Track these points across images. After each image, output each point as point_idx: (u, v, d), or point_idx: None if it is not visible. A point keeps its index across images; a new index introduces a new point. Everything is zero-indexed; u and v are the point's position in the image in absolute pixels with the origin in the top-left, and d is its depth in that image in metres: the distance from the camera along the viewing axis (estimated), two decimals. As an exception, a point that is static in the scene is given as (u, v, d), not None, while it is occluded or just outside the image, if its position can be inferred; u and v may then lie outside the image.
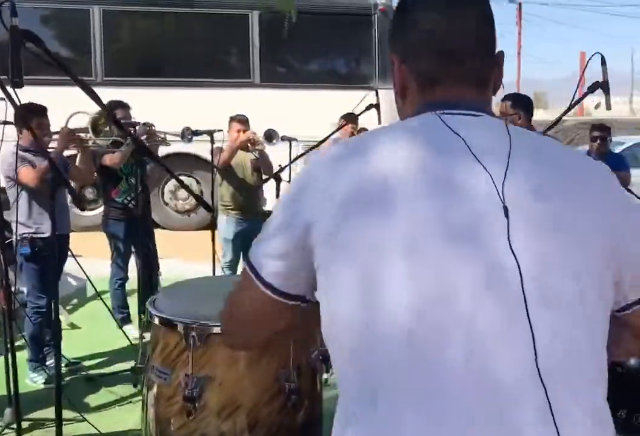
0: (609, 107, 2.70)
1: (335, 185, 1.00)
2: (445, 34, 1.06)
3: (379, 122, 3.99)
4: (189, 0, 9.33)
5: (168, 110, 7.61)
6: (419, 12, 1.10)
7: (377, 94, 3.68)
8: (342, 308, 0.98)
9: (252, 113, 5.58)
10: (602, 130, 5.85)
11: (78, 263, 3.54)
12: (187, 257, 7.13)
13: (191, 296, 2.31)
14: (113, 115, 2.09)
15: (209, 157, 9.15)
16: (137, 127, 4.34)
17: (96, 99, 2.04)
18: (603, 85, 2.61)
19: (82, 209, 4.75)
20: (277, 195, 4.00)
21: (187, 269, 6.73)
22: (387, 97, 9.56)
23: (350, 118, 5.78)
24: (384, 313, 0.93)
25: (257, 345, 1.33)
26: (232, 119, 5.46)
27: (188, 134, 4.62)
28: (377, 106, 3.76)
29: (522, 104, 4.07)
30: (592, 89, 2.64)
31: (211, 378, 1.99)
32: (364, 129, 5.46)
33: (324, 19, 9.42)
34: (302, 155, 3.97)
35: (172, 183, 9.62)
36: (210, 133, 4.73)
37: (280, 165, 4.15)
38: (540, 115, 26.95)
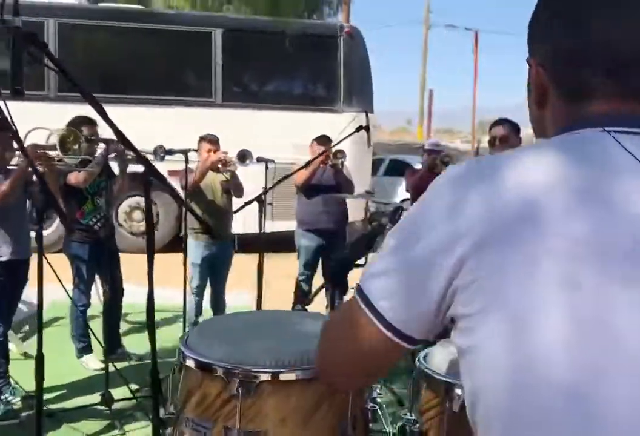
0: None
1: (463, 213, 0.85)
2: (610, 36, 0.90)
3: (369, 144, 3.86)
4: (151, 16, 9.11)
5: (125, 127, 7.30)
6: (576, 10, 0.93)
7: (367, 116, 3.55)
8: (488, 352, 0.85)
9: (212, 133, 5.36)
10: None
11: (64, 287, 3.30)
12: (144, 281, 6.82)
13: (231, 335, 2.06)
14: (123, 136, 1.87)
15: (166, 177, 9.02)
16: (110, 145, 4.09)
17: (105, 117, 1.83)
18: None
19: (72, 234, 4.44)
20: (260, 218, 3.82)
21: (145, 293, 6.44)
22: (351, 120, 9.46)
23: (323, 141, 5.65)
24: (538, 353, 0.81)
25: (362, 384, 1.19)
26: (202, 139, 5.25)
27: (161, 152, 4.39)
28: (366, 128, 3.63)
29: (519, 130, 4.00)
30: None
31: (261, 433, 1.74)
32: (341, 152, 5.32)
33: (292, 40, 9.30)
34: (285, 178, 3.79)
35: (127, 204, 9.31)
36: (185, 152, 4.51)
37: (263, 188, 3.97)
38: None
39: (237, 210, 3.76)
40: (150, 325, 2.01)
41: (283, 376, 1.78)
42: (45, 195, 2.28)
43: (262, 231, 3.93)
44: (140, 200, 9.42)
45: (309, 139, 6.05)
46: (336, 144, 3.90)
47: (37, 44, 1.60)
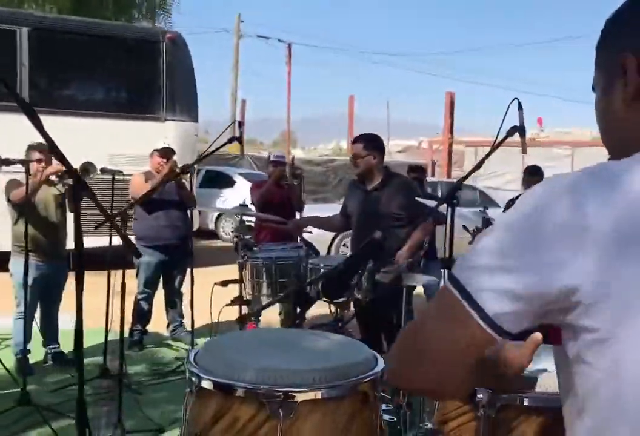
0: (524, 151, 2.74)
1: (591, 221, 0.78)
2: None
3: (242, 154, 3.71)
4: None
5: None
6: None
7: (240, 126, 3.40)
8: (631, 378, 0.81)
9: (19, 142, 4.77)
10: (417, 171, 6.09)
11: None
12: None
13: (246, 355, 1.89)
14: (56, 148, 1.60)
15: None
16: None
17: (42, 130, 1.56)
18: (520, 129, 2.65)
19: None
20: (126, 233, 3.47)
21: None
22: (177, 130, 9.19)
23: (165, 152, 5.37)
24: None
25: (452, 393, 1.05)
26: (31, 148, 4.74)
27: (-4, 164, 3.88)
28: (239, 139, 3.48)
29: (375, 145, 4.05)
30: (510, 132, 2.67)
31: None
32: (189, 166, 5.05)
33: (108, 43, 8.75)
34: (150, 193, 3.50)
35: None
36: (26, 162, 4.04)
37: (130, 201, 3.65)
38: (298, 154, 28.14)
39: (99, 225, 3.41)
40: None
41: (320, 395, 1.72)
42: None
43: (121, 246, 3.58)
44: None
45: (128, 149, 5.67)
46: (205, 157, 3.71)
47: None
